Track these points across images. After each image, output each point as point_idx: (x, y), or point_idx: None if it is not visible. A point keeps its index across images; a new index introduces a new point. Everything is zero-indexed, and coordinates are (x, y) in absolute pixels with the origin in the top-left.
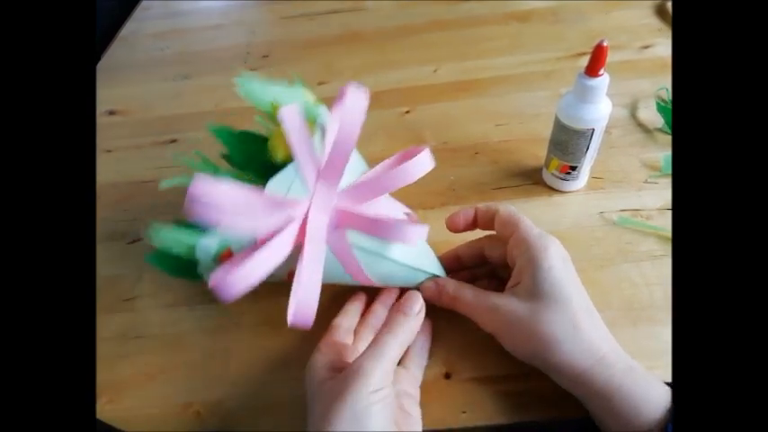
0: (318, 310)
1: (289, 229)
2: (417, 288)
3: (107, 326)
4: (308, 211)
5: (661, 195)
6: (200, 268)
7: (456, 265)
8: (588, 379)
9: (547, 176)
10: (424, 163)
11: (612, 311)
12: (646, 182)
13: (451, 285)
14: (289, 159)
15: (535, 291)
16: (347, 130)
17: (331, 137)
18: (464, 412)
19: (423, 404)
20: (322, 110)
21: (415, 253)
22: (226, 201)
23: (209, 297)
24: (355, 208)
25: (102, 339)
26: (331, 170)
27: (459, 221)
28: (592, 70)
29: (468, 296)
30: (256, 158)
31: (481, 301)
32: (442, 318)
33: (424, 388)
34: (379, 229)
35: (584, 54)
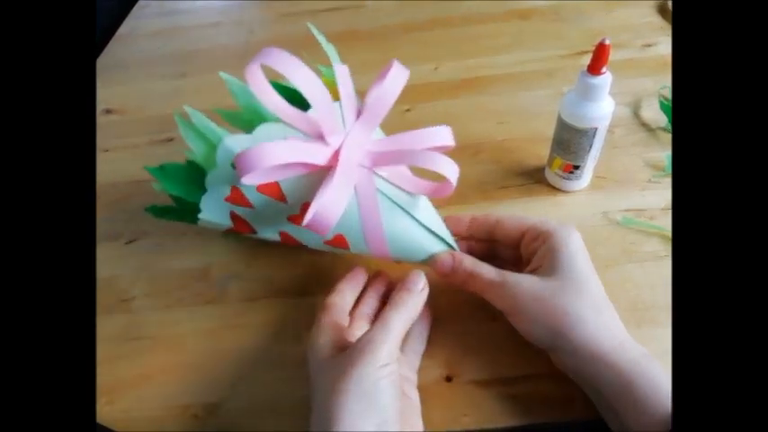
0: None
1: (322, 147)
2: (425, 263)
3: (105, 327)
4: (343, 142)
5: (664, 195)
6: (208, 180)
7: (463, 230)
8: (613, 360)
9: (550, 176)
10: (446, 136)
11: (616, 312)
12: (649, 181)
13: (468, 260)
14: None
15: (560, 272)
16: (391, 85)
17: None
18: (465, 415)
19: (424, 407)
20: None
21: (436, 220)
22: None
23: (208, 298)
24: (387, 148)
25: (100, 340)
26: (370, 114)
27: (450, 228)
28: (594, 69)
29: (486, 272)
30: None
31: (502, 278)
32: (442, 320)
33: (425, 391)
34: (411, 157)
35: (585, 52)
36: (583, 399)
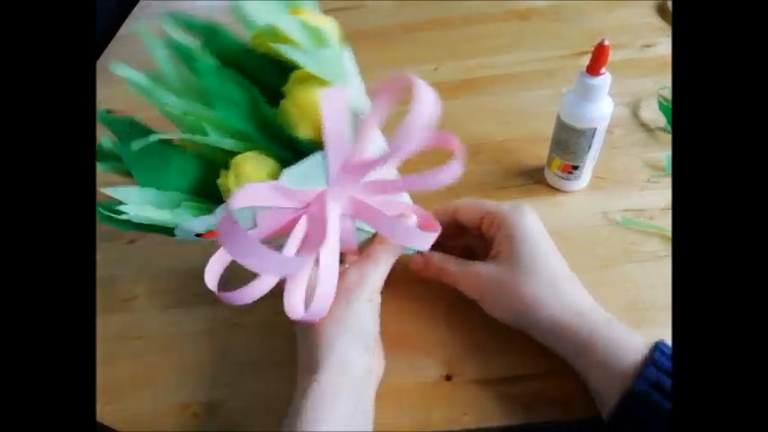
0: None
1: (300, 223)
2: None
3: (106, 326)
4: (322, 201)
5: (664, 195)
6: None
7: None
8: (572, 333)
9: (549, 176)
10: (454, 172)
11: (616, 312)
12: (648, 181)
13: (437, 257)
14: (311, 140)
15: (515, 258)
16: (404, 145)
17: (367, 128)
18: (466, 414)
19: (424, 406)
20: (347, 57)
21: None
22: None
23: (208, 298)
24: (369, 199)
25: (100, 340)
26: (359, 168)
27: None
28: (593, 69)
29: (453, 266)
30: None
31: (465, 269)
32: (443, 320)
33: (425, 390)
34: (391, 229)
35: (585, 53)
36: (583, 398)
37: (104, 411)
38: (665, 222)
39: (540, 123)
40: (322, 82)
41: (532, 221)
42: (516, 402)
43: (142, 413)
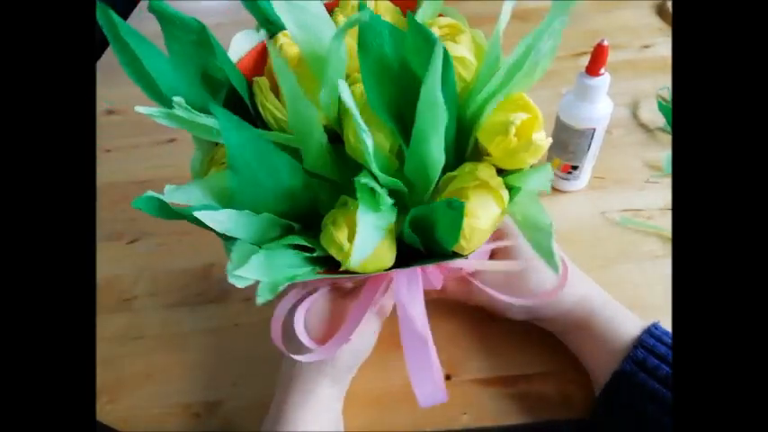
0: None
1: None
2: None
3: (107, 326)
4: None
5: (663, 195)
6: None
7: None
8: (574, 316)
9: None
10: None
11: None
12: (647, 182)
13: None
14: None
15: (517, 254)
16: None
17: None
18: (465, 414)
19: None
20: None
21: None
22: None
23: (209, 297)
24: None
25: (101, 339)
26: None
27: None
28: (592, 70)
29: (453, 285)
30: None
31: (467, 284)
32: (442, 320)
33: None
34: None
35: (584, 54)
36: (582, 398)
37: (105, 411)
38: (664, 222)
39: None
40: None
41: None
42: (515, 402)
43: (143, 412)
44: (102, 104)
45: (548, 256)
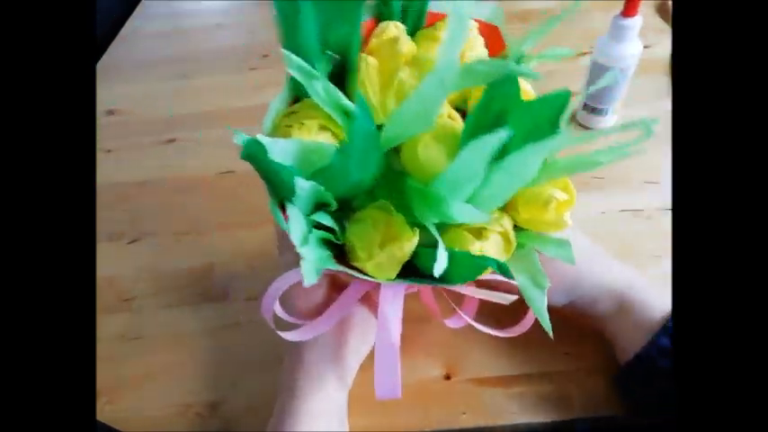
0: None
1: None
2: None
3: (106, 326)
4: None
5: (662, 195)
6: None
7: None
8: (609, 293)
9: (581, 114)
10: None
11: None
12: (647, 181)
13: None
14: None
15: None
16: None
17: None
18: (464, 413)
19: (423, 405)
20: None
21: None
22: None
23: (209, 297)
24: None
25: (101, 339)
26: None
27: None
28: (628, 11)
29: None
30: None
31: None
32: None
33: (424, 389)
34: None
35: (585, 54)
36: (581, 398)
37: (105, 411)
38: (664, 222)
39: None
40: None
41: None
42: (514, 402)
43: (144, 413)
44: (103, 105)
45: (539, 313)
